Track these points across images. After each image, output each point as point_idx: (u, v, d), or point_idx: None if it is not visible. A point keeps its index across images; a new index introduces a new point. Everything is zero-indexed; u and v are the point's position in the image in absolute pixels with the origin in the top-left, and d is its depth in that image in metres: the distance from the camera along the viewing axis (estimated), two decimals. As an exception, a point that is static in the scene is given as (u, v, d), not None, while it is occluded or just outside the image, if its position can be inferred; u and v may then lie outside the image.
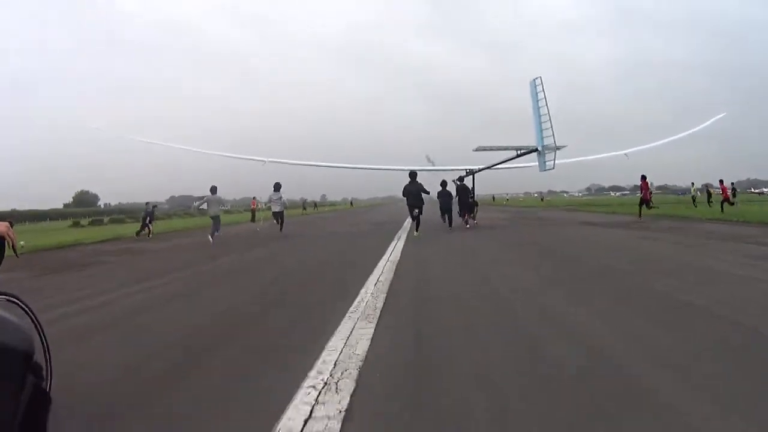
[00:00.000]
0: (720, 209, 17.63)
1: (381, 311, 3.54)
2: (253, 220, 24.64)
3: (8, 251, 1.79)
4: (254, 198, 26.68)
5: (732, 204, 18.62)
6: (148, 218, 16.98)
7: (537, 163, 14.40)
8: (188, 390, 2.20)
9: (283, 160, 18.04)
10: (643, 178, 15.43)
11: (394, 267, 5.87)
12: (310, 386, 2.13)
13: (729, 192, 19.75)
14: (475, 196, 15.72)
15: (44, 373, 1.47)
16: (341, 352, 2.61)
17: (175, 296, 4.70)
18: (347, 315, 3.46)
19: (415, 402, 1.93)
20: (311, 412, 1.87)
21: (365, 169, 19.39)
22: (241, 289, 5.00)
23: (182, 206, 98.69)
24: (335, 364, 2.41)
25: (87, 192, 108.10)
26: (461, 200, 14.27)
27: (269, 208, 14.39)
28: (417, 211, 11.40)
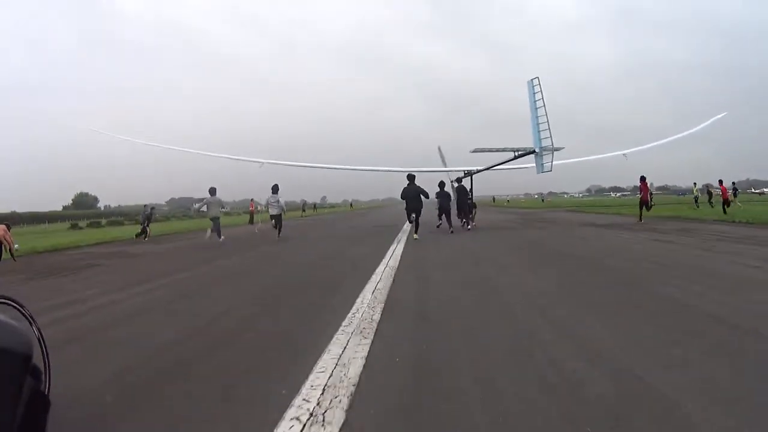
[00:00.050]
0: (723, 210, 17.46)
1: (378, 324, 3.26)
2: (251, 222, 24.45)
3: (5, 254, 1.82)
4: (252, 200, 26.55)
5: (728, 205, 18.55)
6: (146, 221, 16.92)
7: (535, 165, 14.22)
8: (155, 416, 1.96)
9: (279, 162, 17.78)
10: (642, 179, 15.31)
11: (393, 273, 5.59)
12: (294, 417, 1.88)
13: (730, 192, 19.60)
14: (473, 198, 15.54)
15: (43, 376, 1.46)
16: (331, 375, 2.34)
17: (156, 305, 4.41)
18: (340, 329, 3.18)
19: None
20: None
21: (363, 170, 19.11)
22: (224, 300, 4.56)
23: (182, 208, 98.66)
24: (324, 390, 2.15)
25: (86, 194, 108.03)
26: (459, 202, 14.13)
27: (268, 211, 14.21)
28: (414, 215, 11.33)
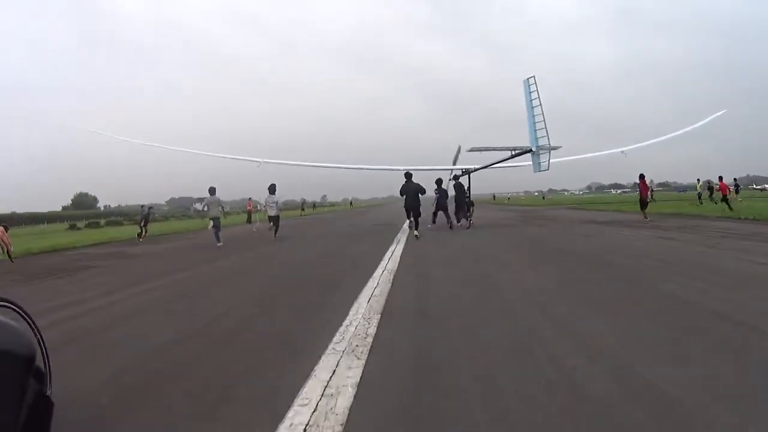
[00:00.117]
0: (728, 207, 17.32)
1: (373, 340, 2.87)
2: (249, 221, 24.29)
3: (2, 255, 1.62)
4: (250, 199, 26.37)
5: (727, 201, 18.50)
6: (144, 221, 16.77)
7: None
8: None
9: (278, 161, 17.61)
10: (642, 177, 15.22)
11: (392, 277, 5.26)
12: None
13: (732, 188, 19.49)
14: (472, 196, 15.46)
15: (45, 378, 1.46)
16: (316, 409, 1.96)
17: (136, 313, 4.16)
18: (330, 347, 2.77)
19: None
20: None
21: (362, 169, 18.92)
22: (207, 308, 4.12)
23: (182, 208, 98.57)
24: (305, 430, 1.80)
25: (86, 194, 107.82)
26: (457, 200, 14.04)
27: (267, 211, 14.09)
28: (413, 212, 11.53)
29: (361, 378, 2.27)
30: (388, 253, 7.64)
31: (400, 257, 7.10)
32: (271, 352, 2.75)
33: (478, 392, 2.04)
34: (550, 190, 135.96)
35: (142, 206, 17.89)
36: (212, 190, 12.58)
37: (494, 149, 14.86)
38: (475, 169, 16.42)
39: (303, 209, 45.56)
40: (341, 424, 1.82)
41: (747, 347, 2.48)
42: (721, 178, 20.32)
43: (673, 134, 22.40)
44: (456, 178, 15.38)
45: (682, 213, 16.60)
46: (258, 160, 17.22)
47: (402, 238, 10.73)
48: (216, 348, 2.89)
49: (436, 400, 1.99)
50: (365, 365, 2.44)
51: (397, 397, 2.05)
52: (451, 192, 14.48)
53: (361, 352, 2.63)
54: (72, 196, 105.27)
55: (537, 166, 13.61)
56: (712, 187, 24.16)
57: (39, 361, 1.42)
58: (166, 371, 2.52)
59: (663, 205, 24.96)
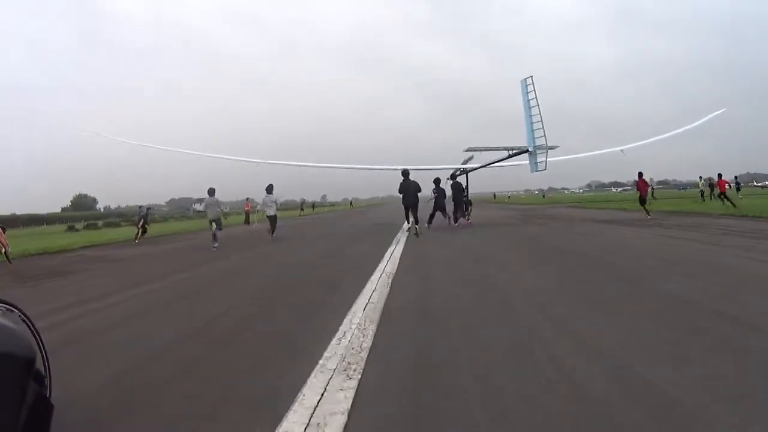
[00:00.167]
0: (721, 202, 17.23)
1: (368, 355, 2.56)
2: (247, 222, 24.15)
3: (0, 257, 1.53)
4: (248, 200, 26.21)
5: (725, 198, 18.41)
6: (142, 221, 16.61)
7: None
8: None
9: (277, 161, 17.48)
10: (640, 175, 15.18)
11: (390, 281, 5.02)
12: None
13: (733, 186, 19.44)
14: (470, 195, 15.37)
15: (46, 380, 1.45)
16: None
17: (116, 323, 3.86)
18: (319, 364, 2.46)
19: None
20: None
21: (361, 169, 18.75)
22: (190, 317, 3.82)
23: (182, 208, 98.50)
24: None
25: (85, 195, 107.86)
26: (455, 199, 13.96)
27: (265, 211, 14.05)
28: (412, 209, 11.81)
29: (352, 404, 1.98)
30: (387, 254, 7.48)
31: (399, 258, 6.94)
32: (253, 372, 2.42)
33: (486, 420, 1.79)
34: (550, 189, 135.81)
35: (140, 207, 17.72)
36: (211, 191, 12.49)
37: (491, 149, 14.94)
38: (473, 169, 16.37)
39: (302, 209, 45.40)
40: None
41: (750, 348, 2.43)
42: (720, 176, 20.23)
43: (672, 132, 22.33)
44: (454, 177, 15.29)
45: (684, 211, 16.43)
46: (256, 160, 17.13)
47: (402, 238, 10.59)
48: (203, 359, 2.73)
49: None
50: (358, 386, 2.15)
51: (395, 428, 1.79)
52: (449, 192, 14.41)
53: (354, 370, 2.34)
54: (71, 198, 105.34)
55: (534, 166, 13.63)
56: (713, 185, 24.06)
57: (39, 364, 1.40)
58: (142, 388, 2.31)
59: (665, 203, 24.81)
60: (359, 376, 2.26)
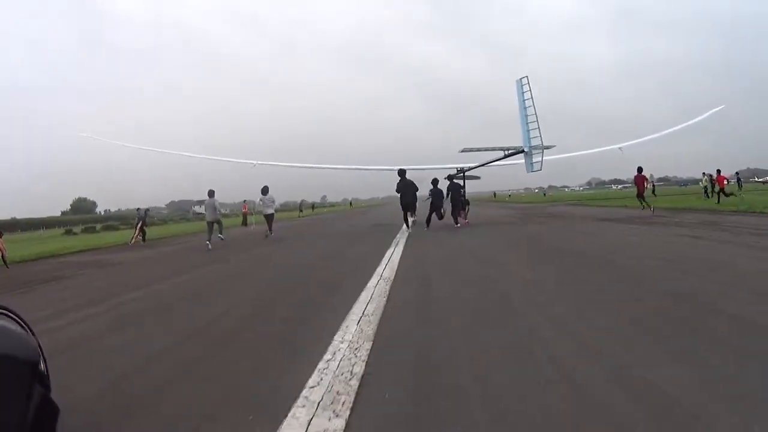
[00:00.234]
0: (717, 200, 17.09)
1: (359, 384, 2.13)
2: (244, 224, 23.92)
3: None
4: (245, 202, 25.98)
5: (727, 195, 18.28)
6: (141, 223, 16.41)
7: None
8: None
9: (273, 162, 17.26)
10: (639, 170, 15.09)
11: (388, 288, 4.58)
12: None
13: (734, 182, 19.38)
14: (468, 194, 15.31)
15: (50, 382, 1.42)
16: None
17: (95, 335, 3.59)
18: (302, 397, 2.03)
19: None
20: None
21: (359, 170, 18.54)
22: (160, 336, 3.34)
23: (181, 211, 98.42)
24: None
25: (85, 199, 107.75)
26: (453, 199, 13.81)
27: (263, 211, 14.24)
28: (411, 209, 11.98)
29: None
30: (385, 258, 7.16)
31: (398, 263, 6.62)
32: (224, 407, 2.01)
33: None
34: (551, 187, 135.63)
35: (138, 209, 17.50)
36: (211, 193, 12.60)
37: (487, 150, 14.95)
38: (470, 168, 16.37)
39: (301, 210, 45.18)
40: None
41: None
42: (719, 172, 20.02)
43: (671, 129, 22.27)
44: (451, 178, 15.14)
45: (689, 207, 16.15)
46: (253, 162, 16.97)
47: (401, 239, 10.28)
48: (166, 388, 2.33)
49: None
50: (346, 428, 1.75)
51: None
52: (446, 192, 14.28)
53: (343, 404, 1.94)
54: (71, 201, 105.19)
55: (530, 167, 13.63)
56: (714, 182, 23.87)
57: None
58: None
59: (668, 199, 24.53)
60: (348, 412, 1.86)
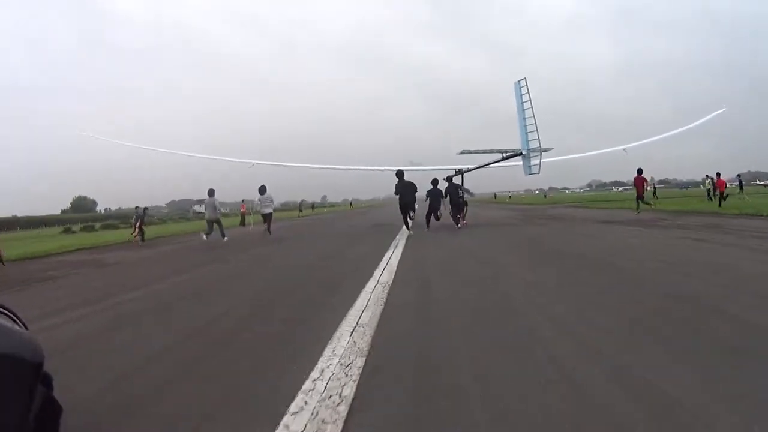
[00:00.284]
0: (719, 203, 16.95)
1: (348, 412, 1.85)
2: (242, 224, 23.69)
3: None
4: (243, 201, 25.74)
5: (724, 198, 18.20)
6: (139, 222, 16.27)
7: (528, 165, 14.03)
8: None
9: (271, 162, 17.08)
10: (639, 172, 15.00)
11: (385, 294, 4.27)
12: None
13: (735, 184, 19.34)
14: (465, 196, 15.28)
15: (53, 382, 1.40)
16: None
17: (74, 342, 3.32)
18: (282, 425, 1.76)
19: None
20: None
21: (357, 169, 18.39)
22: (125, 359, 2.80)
23: (182, 210, 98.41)
24: None
25: (85, 197, 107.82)
26: (452, 200, 13.72)
27: (261, 210, 14.18)
28: (412, 213, 11.70)
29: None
30: (384, 261, 6.94)
31: (397, 266, 6.40)
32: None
33: None
34: (551, 188, 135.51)
35: (137, 208, 17.35)
36: (211, 192, 12.55)
37: (485, 152, 14.88)
38: (469, 170, 16.30)
39: (301, 210, 45.02)
40: None
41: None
42: (718, 175, 19.85)
43: (674, 131, 22.16)
44: (449, 179, 15.04)
45: (693, 210, 15.92)
46: (251, 161, 16.84)
47: (400, 241, 10.06)
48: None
49: None
50: None
51: None
52: (445, 193, 14.24)
53: None
54: (71, 200, 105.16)
55: (527, 169, 13.58)
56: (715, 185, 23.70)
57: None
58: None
59: (671, 202, 24.32)
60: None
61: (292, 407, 1.92)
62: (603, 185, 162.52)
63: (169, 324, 3.79)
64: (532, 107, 12.67)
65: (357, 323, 3.27)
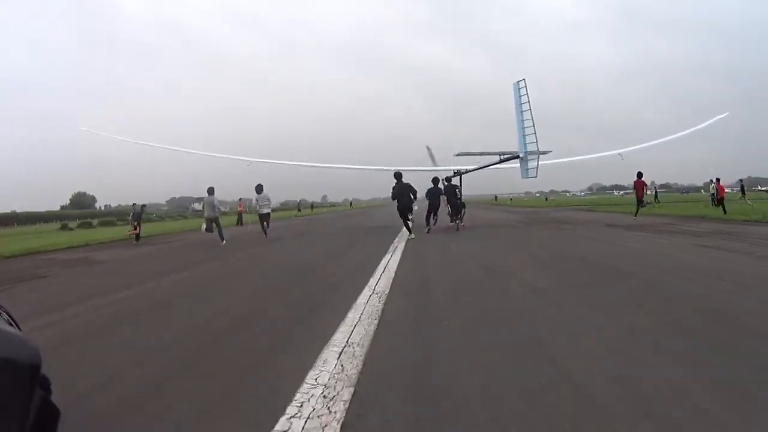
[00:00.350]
0: (722, 210, 16.65)
1: None
2: (240, 223, 23.39)
3: None
4: (240, 200, 25.44)
5: (722, 203, 18.01)
6: (137, 219, 16.05)
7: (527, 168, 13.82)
8: None
9: (269, 161, 16.81)
10: (639, 175, 14.76)
11: (381, 307, 3.95)
12: None
13: (737, 190, 19.17)
14: (462, 198, 15.08)
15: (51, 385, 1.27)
16: None
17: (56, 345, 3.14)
18: None
19: None
20: None
21: (358, 169, 18.11)
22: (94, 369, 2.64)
23: (181, 207, 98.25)
24: None
25: (84, 194, 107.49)
26: (450, 202, 13.53)
27: (258, 210, 13.88)
28: (410, 215, 11.20)
29: None
30: (380, 267, 6.62)
31: (395, 272, 6.09)
32: None
33: None
34: (552, 191, 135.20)
35: (134, 205, 17.09)
36: (211, 190, 12.38)
37: (482, 154, 14.72)
38: (467, 171, 16.10)
39: (299, 210, 44.79)
40: None
41: None
42: (718, 180, 19.55)
43: (673, 136, 21.94)
44: (448, 180, 14.84)
45: (700, 215, 15.61)
46: (249, 159, 16.59)
47: (399, 244, 9.75)
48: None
49: None
50: None
51: None
52: (444, 194, 14.05)
53: None
54: (70, 196, 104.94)
55: (525, 173, 13.40)
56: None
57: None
58: None
59: (672, 207, 24.00)
60: None
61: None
62: (603, 189, 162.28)
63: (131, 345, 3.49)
64: (530, 109, 12.46)
65: (347, 342, 2.92)
